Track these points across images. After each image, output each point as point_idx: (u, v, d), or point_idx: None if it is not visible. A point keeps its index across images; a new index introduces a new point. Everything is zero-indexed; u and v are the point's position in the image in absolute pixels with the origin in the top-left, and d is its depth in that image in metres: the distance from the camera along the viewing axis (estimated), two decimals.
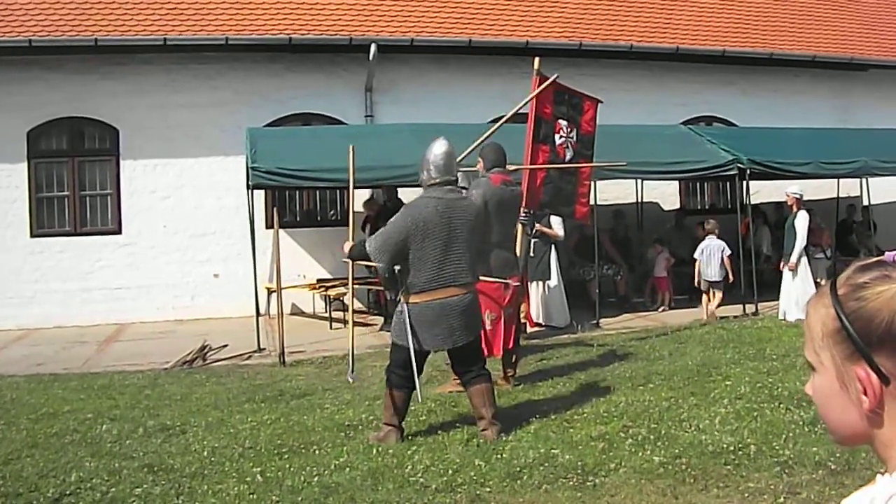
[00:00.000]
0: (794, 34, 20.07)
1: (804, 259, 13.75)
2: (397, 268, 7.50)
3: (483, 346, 8.12)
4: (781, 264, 13.96)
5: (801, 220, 13.63)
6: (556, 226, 13.79)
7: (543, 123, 10.91)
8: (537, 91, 10.66)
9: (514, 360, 9.68)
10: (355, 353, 9.92)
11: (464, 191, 8.38)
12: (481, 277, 8.05)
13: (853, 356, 1.45)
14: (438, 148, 7.64)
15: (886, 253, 1.51)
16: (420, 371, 7.56)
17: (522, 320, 12.59)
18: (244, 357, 12.36)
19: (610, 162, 11.94)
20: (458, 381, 8.51)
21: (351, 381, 9.65)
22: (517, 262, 9.69)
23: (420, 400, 7.89)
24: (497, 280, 9.05)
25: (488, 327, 8.90)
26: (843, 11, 21.53)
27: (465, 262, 7.45)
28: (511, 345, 9.57)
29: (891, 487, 1.42)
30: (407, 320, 7.31)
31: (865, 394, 1.45)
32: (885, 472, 1.46)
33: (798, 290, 13.59)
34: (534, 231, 11.81)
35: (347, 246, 8.06)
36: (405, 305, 7.40)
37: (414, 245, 7.27)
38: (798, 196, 13.86)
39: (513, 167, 10.13)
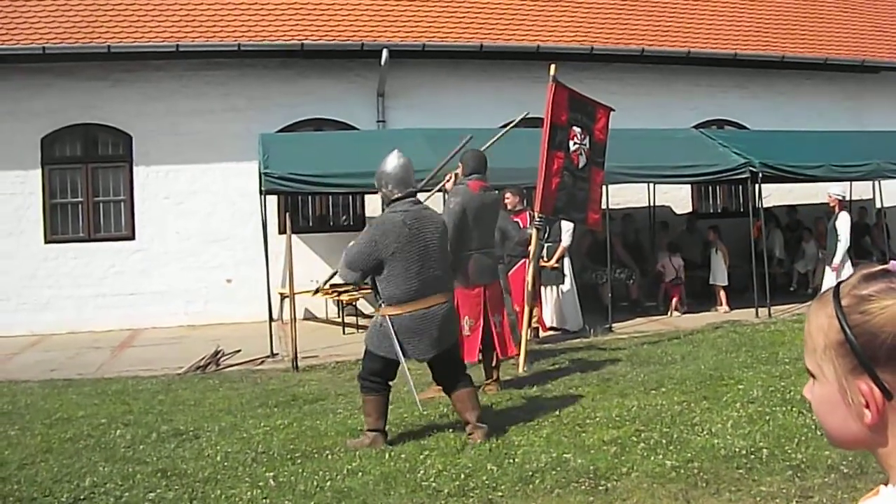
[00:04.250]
0: (806, 37, 20.03)
1: (848, 262, 13.71)
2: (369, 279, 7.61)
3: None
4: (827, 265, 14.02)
5: (843, 221, 13.65)
6: (566, 232, 13.80)
7: (558, 130, 10.95)
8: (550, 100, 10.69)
9: (496, 365, 9.69)
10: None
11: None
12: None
13: (856, 370, 1.44)
14: (393, 161, 7.65)
15: (891, 262, 1.49)
16: (393, 379, 7.64)
17: (535, 325, 12.62)
18: (257, 362, 12.39)
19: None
20: (440, 388, 8.69)
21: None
22: (496, 269, 9.71)
23: (420, 408, 8.03)
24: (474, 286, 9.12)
25: (466, 333, 8.93)
26: (854, 14, 21.46)
27: (442, 270, 7.56)
28: (510, 352, 9.64)
29: (894, 499, 1.43)
30: (391, 332, 7.34)
31: (867, 407, 1.44)
32: (889, 483, 1.46)
33: None
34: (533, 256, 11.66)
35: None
36: (387, 318, 7.39)
37: (384, 259, 7.30)
38: (840, 197, 13.94)
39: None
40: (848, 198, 14.89)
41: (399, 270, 7.31)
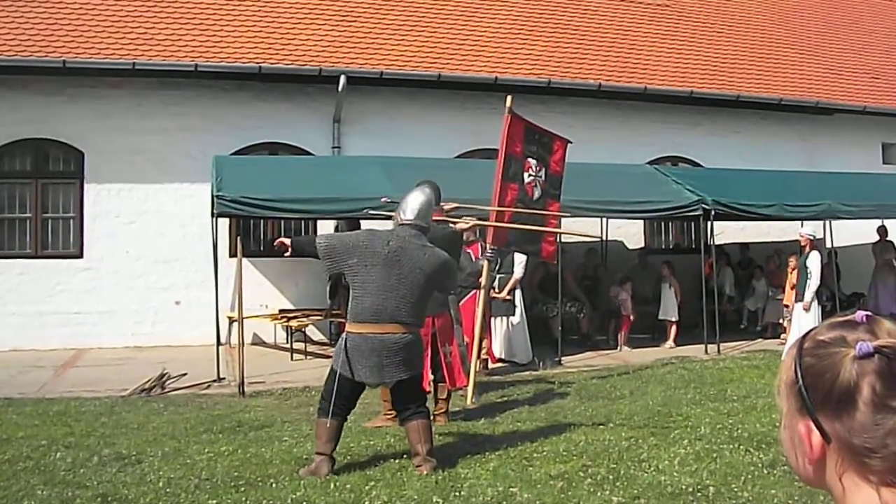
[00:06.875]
0: (761, 77, 20.29)
1: (816, 301, 13.79)
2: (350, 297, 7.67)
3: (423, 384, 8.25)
4: (794, 302, 14.09)
5: (814, 260, 13.78)
6: (518, 264, 13.81)
7: (513, 161, 10.96)
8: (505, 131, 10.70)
9: (446, 396, 9.68)
10: (316, 385, 9.84)
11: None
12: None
13: (801, 410, 1.52)
14: (419, 195, 7.98)
15: (857, 312, 1.55)
16: (351, 400, 7.62)
17: (484, 356, 12.58)
18: (203, 386, 12.23)
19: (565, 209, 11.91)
20: (388, 417, 8.94)
21: None
22: (446, 300, 9.68)
23: (328, 426, 7.81)
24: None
25: None
26: (809, 56, 21.82)
27: (410, 303, 7.52)
28: (460, 382, 9.61)
29: None
30: (342, 347, 7.44)
31: (806, 447, 1.51)
32: None
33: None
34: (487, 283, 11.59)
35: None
36: (346, 333, 7.57)
37: (354, 266, 7.45)
38: (811, 236, 14.11)
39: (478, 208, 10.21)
40: (819, 236, 15.09)
41: (365, 288, 7.42)
